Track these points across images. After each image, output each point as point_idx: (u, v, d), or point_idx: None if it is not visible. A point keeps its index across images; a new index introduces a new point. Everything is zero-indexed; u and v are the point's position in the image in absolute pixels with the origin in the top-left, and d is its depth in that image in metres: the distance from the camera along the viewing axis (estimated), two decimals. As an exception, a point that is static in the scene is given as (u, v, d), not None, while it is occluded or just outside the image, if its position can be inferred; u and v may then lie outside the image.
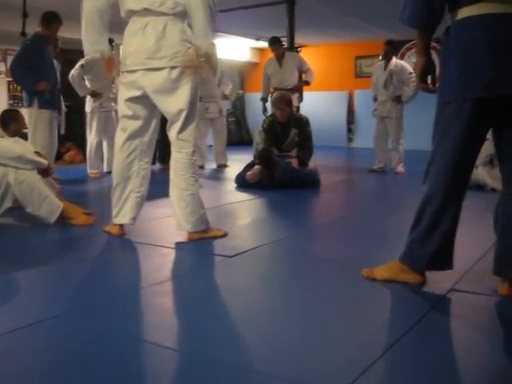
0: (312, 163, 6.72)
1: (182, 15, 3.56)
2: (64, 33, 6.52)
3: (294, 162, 6.34)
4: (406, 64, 8.15)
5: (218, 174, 8.05)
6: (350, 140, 13.53)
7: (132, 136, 3.75)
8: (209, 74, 8.23)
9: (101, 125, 7.47)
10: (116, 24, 3.73)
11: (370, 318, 2.42)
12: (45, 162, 4.36)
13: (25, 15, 5.88)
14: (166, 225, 4.17)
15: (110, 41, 7.34)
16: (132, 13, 3.59)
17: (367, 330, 2.26)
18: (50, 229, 4.18)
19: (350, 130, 13.51)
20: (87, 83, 7.44)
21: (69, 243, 3.89)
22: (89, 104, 7.52)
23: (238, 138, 13.86)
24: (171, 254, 3.52)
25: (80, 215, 4.33)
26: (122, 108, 3.77)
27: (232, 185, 6.46)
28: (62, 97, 6.67)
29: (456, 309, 2.57)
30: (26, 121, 5.90)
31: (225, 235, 3.86)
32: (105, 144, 7.57)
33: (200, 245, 3.64)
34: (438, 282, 2.76)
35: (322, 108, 13.00)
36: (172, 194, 3.72)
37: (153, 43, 3.51)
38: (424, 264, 2.69)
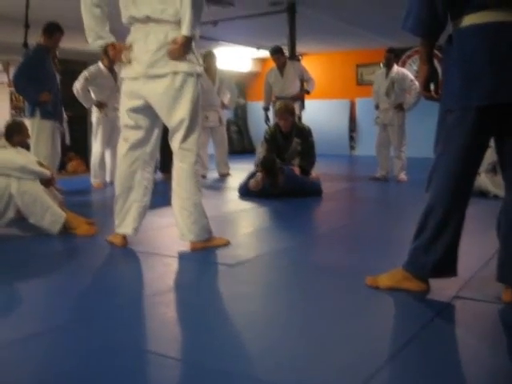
0: (314, 172, 6.73)
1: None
2: (66, 43, 6.54)
3: (297, 171, 6.35)
4: (407, 72, 8.15)
5: (220, 183, 8.05)
6: (352, 148, 13.52)
7: (134, 146, 3.76)
8: (208, 82, 8.34)
9: (106, 135, 7.49)
10: (118, 31, 3.73)
11: (374, 325, 2.42)
12: (47, 172, 4.37)
13: (27, 26, 5.89)
14: (169, 234, 4.17)
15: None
16: (133, 20, 3.60)
17: (371, 338, 2.25)
18: (53, 239, 4.18)
19: (351, 138, 13.51)
20: (92, 94, 7.47)
21: (71, 253, 3.90)
22: (94, 114, 7.54)
23: (240, 147, 13.87)
24: (174, 264, 3.51)
25: (83, 225, 4.33)
26: (124, 118, 3.77)
27: (234, 194, 6.46)
28: (63, 107, 6.68)
29: (460, 316, 2.57)
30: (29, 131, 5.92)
31: (227, 244, 3.85)
32: (108, 154, 7.58)
33: (203, 254, 3.64)
34: (441, 289, 2.76)
35: (324, 116, 13.00)
36: (174, 204, 3.71)
37: (154, 52, 3.52)
38: (428, 271, 2.69)
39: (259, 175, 6.17)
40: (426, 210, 2.63)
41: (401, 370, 2.01)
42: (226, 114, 9.10)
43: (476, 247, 3.57)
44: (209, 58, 8.30)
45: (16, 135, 5.00)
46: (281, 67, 8.28)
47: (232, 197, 6.47)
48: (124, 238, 3.88)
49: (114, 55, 3.69)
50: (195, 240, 3.70)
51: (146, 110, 3.69)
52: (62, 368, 2.01)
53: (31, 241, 4.18)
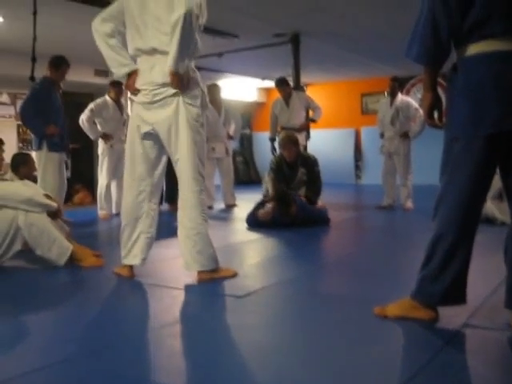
0: (320, 201, 6.72)
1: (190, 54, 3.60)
2: (72, 76, 6.61)
3: (303, 200, 6.35)
4: (411, 100, 8.19)
5: (226, 213, 8.05)
6: (357, 177, 13.54)
7: (141, 176, 3.77)
8: (214, 114, 8.40)
9: (112, 166, 7.53)
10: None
11: (384, 355, 2.39)
12: (54, 204, 4.38)
13: (34, 60, 5.96)
14: (175, 266, 4.15)
15: (119, 83, 7.51)
16: (140, 51, 3.65)
17: (381, 368, 2.23)
18: (60, 271, 4.18)
19: (357, 167, 13.53)
20: (98, 126, 7.53)
21: (78, 285, 3.89)
22: (100, 146, 7.61)
23: (246, 177, 13.91)
24: (181, 295, 3.50)
25: (89, 257, 4.33)
26: (132, 146, 3.79)
27: (241, 224, 6.45)
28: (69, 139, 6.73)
29: (470, 344, 2.54)
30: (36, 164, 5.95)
31: (235, 275, 3.84)
32: (113, 185, 7.61)
33: (210, 285, 3.62)
34: (450, 317, 2.74)
35: (330, 146, 13.05)
36: (179, 234, 3.71)
37: (160, 83, 3.56)
38: (437, 300, 2.67)
39: (269, 205, 6.16)
40: (434, 238, 2.62)
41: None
42: (232, 145, 9.13)
43: (484, 274, 3.55)
44: (213, 90, 8.37)
45: (22, 167, 5.04)
46: (286, 98, 8.32)
47: (239, 227, 6.46)
48: (131, 269, 3.87)
49: (129, 85, 3.74)
50: (200, 269, 3.68)
51: (154, 138, 3.71)
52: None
53: (38, 273, 4.18)
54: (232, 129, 8.79)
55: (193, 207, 3.64)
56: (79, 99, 9.24)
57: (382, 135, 8.15)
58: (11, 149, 7.96)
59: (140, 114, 3.71)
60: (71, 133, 6.78)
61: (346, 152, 13.38)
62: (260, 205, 6.42)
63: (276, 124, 8.50)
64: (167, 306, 3.23)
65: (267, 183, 6.85)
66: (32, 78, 6.04)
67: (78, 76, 7.26)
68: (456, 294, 2.65)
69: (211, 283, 3.65)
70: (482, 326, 2.68)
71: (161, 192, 4.02)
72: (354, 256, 4.75)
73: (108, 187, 7.57)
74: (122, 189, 3.93)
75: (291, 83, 8.60)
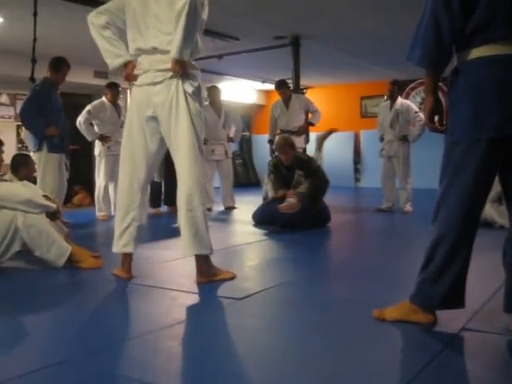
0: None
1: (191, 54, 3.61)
2: (71, 77, 6.62)
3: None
4: (411, 103, 8.22)
5: (226, 216, 8.04)
6: (357, 180, 13.55)
7: (139, 167, 3.79)
8: (214, 116, 8.41)
9: (109, 168, 7.53)
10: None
11: (382, 358, 2.39)
12: (53, 205, 4.38)
13: (34, 61, 5.96)
14: (175, 268, 4.15)
15: (116, 85, 7.51)
16: (140, 51, 3.66)
17: (380, 372, 2.23)
18: (59, 272, 4.18)
19: (356, 170, 13.55)
20: (95, 127, 7.53)
21: (77, 287, 3.88)
22: (97, 147, 7.60)
23: (245, 179, 13.91)
24: (180, 297, 3.49)
25: (88, 259, 4.32)
26: (131, 129, 3.80)
27: (241, 226, 6.46)
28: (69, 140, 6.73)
29: (469, 348, 2.54)
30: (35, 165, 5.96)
31: (234, 277, 3.83)
32: (111, 187, 7.61)
33: (209, 287, 3.62)
34: (449, 321, 2.73)
35: (329, 149, 12.92)
36: (179, 218, 3.70)
37: (161, 68, 3.59)
38: (436, 303, 2.67)
39: (291, 199, 6.13)
40: (434, 241, 2.61)
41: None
42: (231, 147, 9.14)
43: (483, 278, 3.55)
44: (213, 92, 8.37)
45: (22, 168, 5.03)
46: (286, 100, 8.33)
47: (238, 229, 6.46)
48: (130, 271, 3.87)
49: (127, 74, 3.75)
50: (194, 252, 3.66)
51: (154, 126, 3.73)
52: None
53: (37, 274, 4.18)
54: (233, 131, 8.79)
55: (191, 193, 3.62)
56: (78, 100, 9.24)
57: (381, 138, 8.16)
58: (10, 150, 7.97)
59: (141, 99, 3.71)
60: (70, 134, 6.78)
61: (345, 155, 13.38)
62: (271, 201, 6.40)
63: (275, 126, 8.51)
64: (166, 308, 3.23)
65: (267, 186, 6.86)
66: (32, 79, 6.05)
67: (77, 77, 7.26)
68: (455, 297, 2.64)
69: (210, 285, 3.65)
70: (481, 330, 2.67)
71: (159, 193, 4.02)
72: (352, 259, 4.76)
73: (106, 189, 7.56)
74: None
75: (291, 86, 8.61)
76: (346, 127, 13.39)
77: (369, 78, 12.28)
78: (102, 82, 8.85)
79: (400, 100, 8.00)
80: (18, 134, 9.59)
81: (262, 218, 6.38)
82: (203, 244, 3.67)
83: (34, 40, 5.87)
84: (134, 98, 3.81)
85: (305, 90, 11.36)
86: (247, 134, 14.36)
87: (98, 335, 2.77)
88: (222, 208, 8.60)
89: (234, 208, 8.61)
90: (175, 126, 3.62)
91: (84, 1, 5.92)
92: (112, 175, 7.55)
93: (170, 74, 3.57)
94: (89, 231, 6.72)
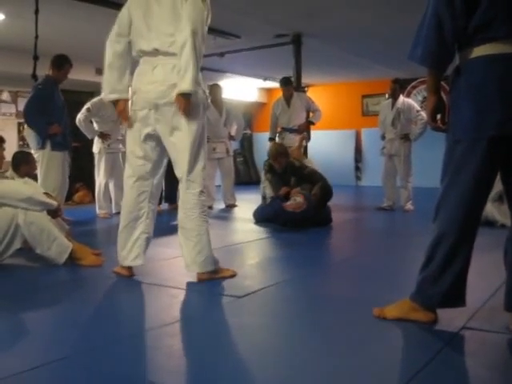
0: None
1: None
2: (73, 75, 6.61)
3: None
4: (413, 102, 8.21)
5: (226, 214, 8.05)
6: (358, 178, 13.55)
7: (142, 177, 3.77)
8: (215, 114, 8.41)
9: (108, 166, 7.52)
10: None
11: (383, 357, 2.39)
12: (54, 203, 4.38)
13: (36, 58, 5.96)
14: (175, 265, 4.15)
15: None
16: (143, 53, 3.66)
17: (380, 370, 2.23)
18: (59, 270, 4.18)
19: (357, 169, 13.55)
20: (95, 125, 7.52)
21: (78, 284, 3.88)
22: (96, 145, 7.58)
23: (246, 177, 13.90)
24: (180, 295, 3.50)
25: (89, 256, 4.33)
26: (133, 147, 3.79)
27: (241, 224, 6.46)
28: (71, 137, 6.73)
29: (469, 347, 2.54)
30: (37, 162, 5.97)
31: (234, 275, 3.84)
32: (111, 185, 7.61)
33: (209, 285, 3.62)
34: (449, 319, 2.73)
35: (330, 147, 13.06)
36: (180, 234, 3.71)
37: (161, 84, 3.56)
38: (437, 302, 2.67)
39: (297, 198, 6.13)
40: (435, 240, 2.61)
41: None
42: (233, 145, 9.14)
43: (484, 277, 3.55)
44: (215, 90, 8.38)
45: (24, 166, 5.04)
46: (288, 98, 8.33)
47: (239, 227, 6.46)
48: (130, 268, 3.87)
49: (120, 111, 3.78)
50: (199, 271, 3.69)
51: (155, 140, 3.71)
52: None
53: (37, 271, 4.18)
54: (234, 129, 8.79)
55: (193, 208, 3.64)
56: (80, 98, 9.22)
57: (382, 137, 8.16)
58: (12, 147, 7.96)
59: (141, 116, 3.70)
60: (72, 131, 6.78)
61: (346, 153, 13.39)
62: (274, 199, 6.39)
63: (276, 124, 8.51)
64: (166, 306, 3.23)
65: (264, 184, 6.86)
66: (34, 77, 6.05)
67: (79, 74, 7.25)
68: (455, 296, 2.64)
69: (211, 283, 3.65)
70: (481, 329, 2.67)
71: (160, 192, 4.02)
72: (353, 257, 4.75)
73: (106, 186, 7.56)
74: (120, 188, 3.93)
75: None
76: (347, 125, 13.41)
77: (370, 76, 12.28)
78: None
79: (401, 98, 8.00)
80: (20, 132, 9.59)
81: (264, 216, 6.37)
82: (208, 261, 3.70)
83: (36, 37, 5.87)
84: (134, 115, 3.77)
85: (306, 88, 11.36)
86: (248, 132, 14.35)
87: (98, 332, 2.77)
88: (222, 206, 8.60)
89: (234, 206, 8.61)
90: (176, 142, 3.62)
91: (85, -2, 5.92)
92: (112, 173, 7.55)
93: (172, 96, 3.53)
94: (90, 229, 6.72)
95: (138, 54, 3.70)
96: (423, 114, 7.52)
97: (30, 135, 6.55)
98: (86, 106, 7.39)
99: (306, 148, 8.65)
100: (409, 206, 7.84)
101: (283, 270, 4.27)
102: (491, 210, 5.90)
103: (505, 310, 2.63)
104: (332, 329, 2.79)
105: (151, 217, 3.84)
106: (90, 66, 9.37)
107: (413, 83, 12.35)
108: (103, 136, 7.46)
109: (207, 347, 2.54)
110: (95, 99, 7.59)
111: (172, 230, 3.96)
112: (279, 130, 8.42)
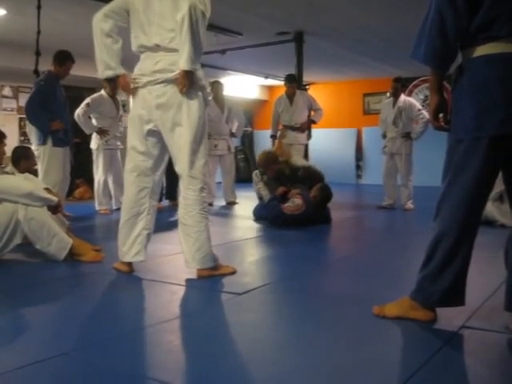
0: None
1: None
2: (76, 71, 6.61)
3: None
4: (414, 101, 8.21)
5: (227, 211, 8.05)
6: (358, 177, 13.55)
7: (143, 173, 3.77)
8: (217, 111, 8.41)
9: (107, 162, 7.52)
10: (124, 61, 3.77)
11: (382, 355, 2.39)
12: (55, 198, 4.37)
13: (38, 54, 5.96)
14: (175, 262, 4.16)
15: (114, 79, 7.45)
16: (144, 48, 3.65)
17: (379, 368, 2.23)
18: (59, 265, 4.18)
19: (358, 167, 13.55)
20: (94, 121, 7.52)
21: (78, 280, 3.89)
22: (94, 141, 7.57)
23: (246, 175, 13.86)
24: (180, 292, 3.50)
25: (89, 252, 4.33)
26: (134, 143, 3.79)
27: (242, 221, 6.46)
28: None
29: (468, 346, 2.54)
30: (38, 158, 5.97)
31: (234, 272, 3.84)
32: (110, 181, 7.61)
33: (209, 282, 3.62)
34: (449, 318, 2.74)
35: (331, 145, 13.07)
36: (180, 231, 3.72)
37: (161, 70, 3.58)
38: (436, 301, 2.67)
39: (296, 200, 6.12)
40: (435, 239, 2.61)
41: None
42: (234, 142, 9.14)
43: (483, 276, 3.55)
44: (216, 87, 8.38)
45: (23, 161, 5.04)
46: (291, 96, 8.34)
47: (239, 225, 6.46)
48: (130, 264, 3.88)
49: (123, 86, 3.77)
50: (199, 267, 3.69)
51: (156, 136, 3.71)
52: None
53: (37, 267, 4.18)
54: (235, 126, 8.79)
55: (193, 205, 3.64)
56: (81, 93, 9.22)
57: (383, 135, 8.15)
58: (13, 142, 7.97)
59: (142, 112, 3.70)
60: (73, 127, 6.78)
61: (347, 152, 13.39)
62: (271, 199, 6.39)
63: (278, 121, 8.51)
64: (166, 302, 3.23)
65: (261, 188, 6.86)
66: (36, 72, 6.05)
67: (80, 70, 7.24)
68: (455, 295, 2.64)
69: (210, 280, 3.65)
70: (481, 328, 2.67)
71: (161, 189, 4.01)
72: (353, 255, 4.75)
73: (105, 183, 7.55)
74: (119, 184, 3.93)
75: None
76: (348, 124, 13.41)
77: (372, 74, 12.28)
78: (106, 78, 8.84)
79: (403, 97, 7.99)
80: (21, 127, 9.59)
81: (263, 217, 6.36)
82: (207, 258, 3.70)
83: (38, 33, 5.87)
84: (134, 111, 3.78)
85: (307, 86, 11.36)
86: (249, 129, 14.35)
87: (98, 328, 2.77)
88: (223, 203, 8.61)
89: (235, 203, 8.62)
90: (178, 139, 3.62)
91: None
92: (110, 169, 7.55)
93: (173, 90, 3.55)
94: (90, 224, 6.72)
95: (139, 50, 3.69)
96: (424, 113, 7.53)
97: (31, 131, 6.55)
98: (85, 101, 7.38)
99: (306, 146, 8.65)
100: (409, 204, 7.83)
101: (283, 267, 4.27)
102: (491, 209, 5.90)
103: (505, 309, 2.62)
104: (331, 326, 2.79)
105: (152, 213, 3.85)
106: (91, 62, 9.33)
107: (414, 82, 12.34)
108: (101, 132, 7.45)
109: (207, 344, 2.54)
110: (95, 94, 7.59)
111: (172, 226, 3.96)
112: (281, 127, 8.42)
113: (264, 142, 11.08)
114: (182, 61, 3.45)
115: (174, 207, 7.39)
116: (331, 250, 5.33)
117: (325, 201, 6.39)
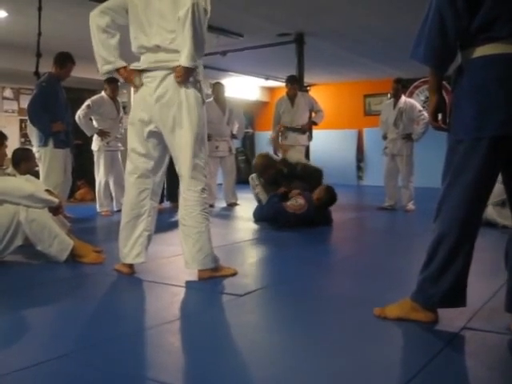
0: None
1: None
2: (77, 73, 6.61)
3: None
4: (415, 102, 8.21)
5: (228, 212, 8.05)
6: (359, 178, 13.55)
7: (144, 175, 3.77)
8: (218, 112, 8.41)
9: (108, 163, 7.53)
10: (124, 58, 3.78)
11: (383, 357, 2.39)
12: (56, 200, 4.37)
13: (38, 55, 5.96)
14: (176, 263, 4.15)
15: (115, 80, 7.48)
16: (144, 48, 3.65)
17: (380, 370, 2.23)
18: (60, 267, 4.18)
19: (359, 168, 13.54)
20: (94, 123, 7.52)
21: (79, 281, 3.89)
22: (95, 142, 7.58)
23: (247, 176, 13.81)
24: (181, 293, 3.50)
25: (90, 253, 4.33)
26: (135, 145, 3.78)
27: (243, 223, 6.46)
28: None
29: (469, 347, 2.54)
30: (39, 160, 5.98)
31: (235, 274, 3.83)
32: (111, 183, 7.61)
33: (210, 283, 3.62)
34: (450, 320, 2.73)
35: (332, 146, 13.07)
36: (181, 232, 3.71)
37: (162, 78, 3.57)
38: (437, 302, 2.66)
39: (299, 200, 6.12)
40: (436, 240, 2.61)
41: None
42: (235, 144, 9.14)
43: (484, 277, 3.55)
44: (217, 89, 8.39)
45: (24, 163, 5.05)
46: (292, 97, 8.33)
47: (240, 226, 6.46)
48: (131, 266, 3.87)
49: (126, 77, 3.75)
50: (199, 268, 3.69)
51: (157, 137, 3.71)
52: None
53: (38, 268, 4.18)
54: (235, 128, 8.79)
55: (194, 206, 3.64)
56: (82, 95, 9.22)
57: (384, 137, 8.15)
58: (13, 144, 7.97)
59: (143, 114, 3.69)
60: (74, 129, 6.78)
61: (348, 153, 13.39)
62: (272, 197, 6.39)
63: (279, 123, 8.50)
64: (167, 304, 3.23)
65: (259, 192, 6.86)
66: (37, 74, 6.05)
67: (81, 72, 7.24)
68: (456, 296, 2.64)
69: (211, 281, 3.65)
70: (482, 329, 2.67)
71: (162, 190, 4.01)
72: (354, 256, 4.75)
73: (106, 184, 7.55)
74: (120, 186, 3.93)
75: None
76: (349, 125, 13.41)
77: (372, 76, 12.28)
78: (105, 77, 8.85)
79: (404, 98, 7.99)
80: (22, 129, 9.59)
81: (264, 215, 6.35)
82: (208, 259, 3.70)
83: (39, 34, 5.87)
84: (135, 112, 3.77)
85: (308, 88, 11.35)
86: (250, 130, 14.35)
87: (98, 330, 2.77)
88: (224, 204, 8.61)
89: (236, 204, 8.61)
90: (178, 139, 3.61)
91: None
92: (111, 170, 7.56)
93: (173, 88, 3.56)
94: (91, 226, 6.72)
95: (139, 50, 3.69)
96: (425, 114, 7.51)
97: (32, 132, 6.56)
98: (86, 103, 7.39)
99: (307, 148, 8.65)
100: (410, 205, 7.83)
101: (284, 268, 4.26)
102: (492, 212, 5.89)
103: (505, 310, 2.63)
104: (332, 328, 2.79)
105: (153, 214, 3.85)
106: (92, 64, 9.34)
107: (415, 83, 12.33)
108: (102, 133, 7.45)
109: (208, 345, 2.53)
110: (96, 96, 7.61)
111: (173, 227, 3.96)
112: (282, 128, 8.41)
113: (265, 143, 11.07)
114: (182, 57, 3.46)
115: (174, 209, 7.39)
116: (332, 252, 5.33)
117: (330, 202, 6.38)
